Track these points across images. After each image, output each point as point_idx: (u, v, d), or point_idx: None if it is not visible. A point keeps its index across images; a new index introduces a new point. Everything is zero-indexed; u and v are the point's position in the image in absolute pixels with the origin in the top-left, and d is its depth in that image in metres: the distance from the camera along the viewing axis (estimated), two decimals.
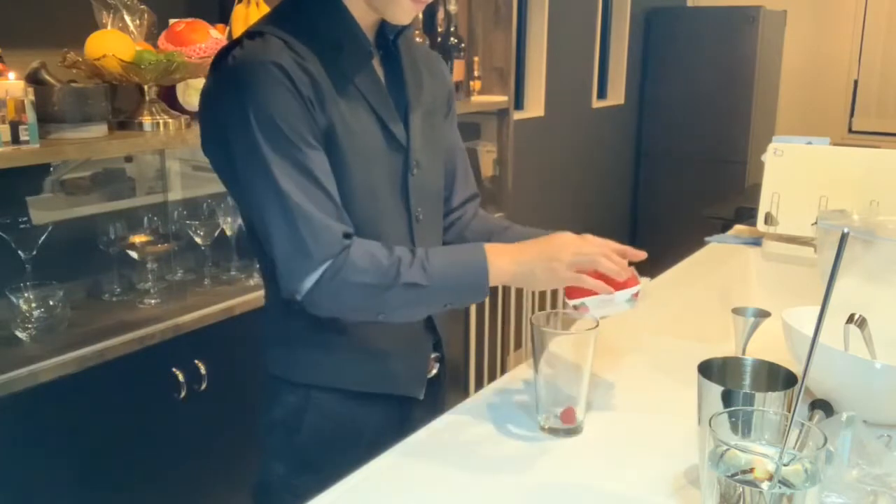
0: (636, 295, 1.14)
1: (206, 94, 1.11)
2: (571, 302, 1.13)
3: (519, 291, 3.39)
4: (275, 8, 1.14)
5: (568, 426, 1.08)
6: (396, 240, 1.16)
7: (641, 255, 1.15)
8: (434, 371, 1.31)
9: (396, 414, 1.23)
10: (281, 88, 1.02)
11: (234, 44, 1.08)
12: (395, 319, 1.11)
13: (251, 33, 1.08)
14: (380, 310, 1.08)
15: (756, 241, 2.00)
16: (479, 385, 3.07)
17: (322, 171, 1.05)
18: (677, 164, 5.15)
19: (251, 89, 1.02)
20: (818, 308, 0.74)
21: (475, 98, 2.98)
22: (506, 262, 1.10)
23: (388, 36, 1.18)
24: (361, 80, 1.12)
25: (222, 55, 1.08)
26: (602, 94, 4.86)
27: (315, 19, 1.11)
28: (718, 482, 0.75)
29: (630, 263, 1.15)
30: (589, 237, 1.14)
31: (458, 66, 2.84)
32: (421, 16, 2.70)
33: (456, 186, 1.34)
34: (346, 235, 1.05)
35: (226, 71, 1.06)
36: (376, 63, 1.16)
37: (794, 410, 0.75)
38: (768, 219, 1.92)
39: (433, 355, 1.30)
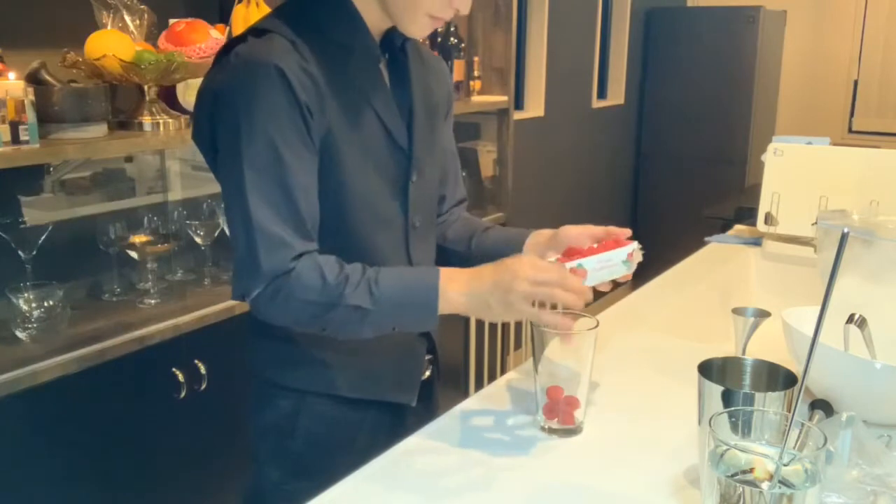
0: (631, 255, 1.11)
1: (204, 87, 1.09)
2: (567, 264, 1.07)
3: None
4: (283, 4, 1.11)
5: (568, 426, 1.08)
6: (391, 248, 1.16)
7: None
8: (427, 373, 1.30)
9: (389, 418, 1.22)
10: (279, 93, 1.01)
11: (238, 39, 1.06)
12: (339, 336, 1.08)
13: (257, 30, 1.06)
14: (323, 325, 1.06)
15: (756, 241, 2.00)
16: (479, 385, 3.07)
17: (301, 185, 1.03)
18: (677, 164, 5.15)
19: (248, 90, 1.01)
20: (818, 308, 0.74)
21: (475, 98, 2.98)
22: (458, 292, 1.03)
23: (396, 42, 1.16)
24: (368, 84, 1.11)
25: (226, 49, 1.06)
26: (602, 94, 4.86)
27: (324, 20, 1.09)
28: (718, 482, 0.75)
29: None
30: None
31: (458, 66, 2.84)
32: None
33: (447, 191, 1.33)
34: (302, 253, 1.03)
35: (227, 67, 1.04)
36: (381, 66, 1.15)
37: (794, 410, 0.75)
38: (768, 219, 1.92)
39: (426, 357, 1.29)
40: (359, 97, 1.09)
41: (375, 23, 1.11)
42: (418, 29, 1.10)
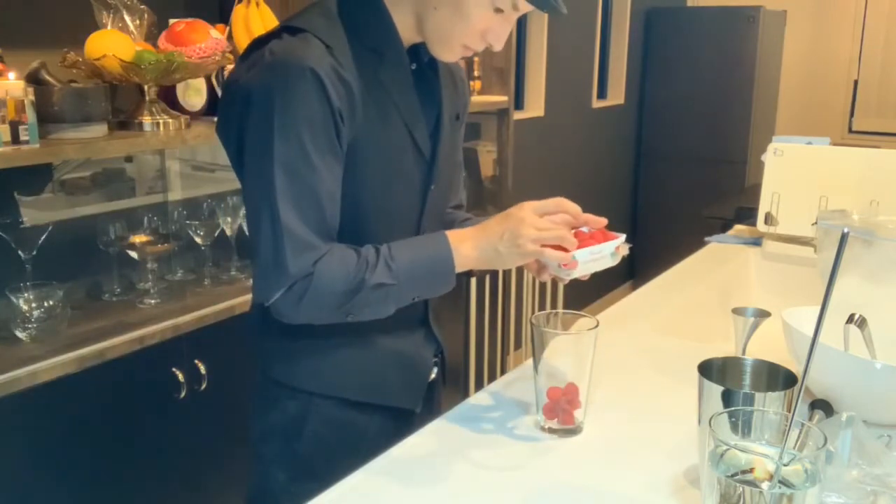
0: (618, 248, 1.12)
1: (234, 81, 1.08)
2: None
3: (519, 291, 3.39)
4: (318, 2, 1.10)
5: (568, 426, 1.08)
6: None
7: (603, 221, 1.13)
8: (433, 375, 1.30)
9: (395, 420, 1.23)
10: (313, 98, 1.00)
11: (271, 35, 1.05)
12: (363, 318, 1.09)
13: (292, 28, 1.04)
14: (348, 312, 1.07)
15: (756, 241, 2.00)
16: (479, 385, 3.07)
17: (327, 191, 1.04)
18: (677, 164, 5.15)
19: (282, 91, 1.00)
20: (818, 308, 0.74)
21: (475, 98, 2.98)
22: (469, 247, 1.09)
23: (423, 56, 1.16)
24: (397, 92, 1.10)
25: (257, 45, 1.05)
26: (602, 94, 4.86)
27: (360, 24, 1.08)
28: (718, 482, 0.75)
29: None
30: (536, 204, 1.12)
31: None
32: None
33: (450, 196, 1.33)
34: (324, 254, 1.04)
35: (260, 64, 1.03)
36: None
37: (794, 410, 0.75)
38: (768, 219, 1.93)
39: (433, 359, 1.30)
40: (388, 105, 1.09)
41: (407, 35, 1.11)
42: (450, 55, 1.11)
